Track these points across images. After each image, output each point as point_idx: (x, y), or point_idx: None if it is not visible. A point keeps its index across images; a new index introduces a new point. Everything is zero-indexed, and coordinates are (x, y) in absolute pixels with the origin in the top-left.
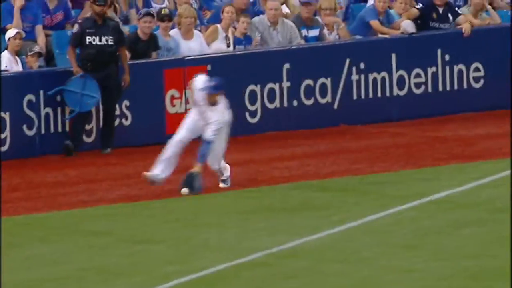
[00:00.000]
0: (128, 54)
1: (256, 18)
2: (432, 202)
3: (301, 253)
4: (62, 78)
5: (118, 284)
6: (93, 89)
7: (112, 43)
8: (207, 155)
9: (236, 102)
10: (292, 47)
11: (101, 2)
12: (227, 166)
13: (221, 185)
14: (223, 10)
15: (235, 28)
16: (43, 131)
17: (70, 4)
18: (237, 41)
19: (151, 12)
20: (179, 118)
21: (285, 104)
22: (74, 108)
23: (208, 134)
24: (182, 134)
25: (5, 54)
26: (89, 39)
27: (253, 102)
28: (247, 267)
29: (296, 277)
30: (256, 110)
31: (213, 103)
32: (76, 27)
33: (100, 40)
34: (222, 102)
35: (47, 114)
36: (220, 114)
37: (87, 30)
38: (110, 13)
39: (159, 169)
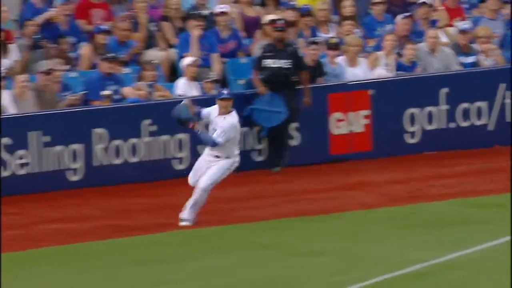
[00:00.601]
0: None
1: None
2: None
3: (458, 266)
4: (234, 102)
5: None
6: (279, 105)
7: (288, 66)
8: (206, 139)
9: (396, 124)
10: (450, 73)
11: (279, 28)
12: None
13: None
14: (385, 38)
15: (398, 55)
16: None
17: (242, 34)
18: (402, 67)
19: (317, 41)
20: (342, 139)
21: (443, 125)
22: (264, 125)
23: (216, 134)
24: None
25: (182, 80)
26: (266, 62)
27: (412, 124)
28: (406, 278)
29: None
30: (415, 132)
31: (226, 111)
32: (258, 52)
33: (276, 63)
34: (234, 115)
35: None
36: (231, 121)
37: (266, 54)
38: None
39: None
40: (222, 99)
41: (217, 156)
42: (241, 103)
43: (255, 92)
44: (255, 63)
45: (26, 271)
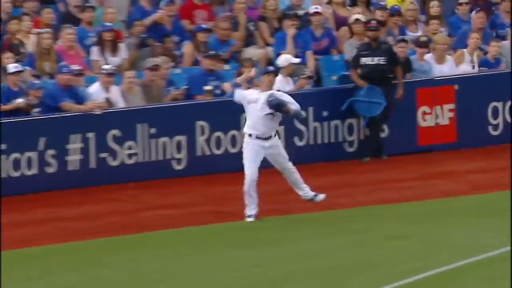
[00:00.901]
0: (401, 72)
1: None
2: None
3: None
4: (327, 97)
5: (375, 276)
6: (378, 96)
7: (384, 62)
8: (297, 111)
9: (480, 116)
10: None
11: (372, 28)
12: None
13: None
14: (470, 37)
15: (483, 52)
16: (311, 142)
17: (334, 32)
18: (486, 64)
19: (405, 38)
20: (429, 130)
21: None
22: (365, 115)
23: (291, 103)
24: (252, 171)
25: (278, 76)
26: (363, 59)
27: (495, 117)
28: (483, 264)
29: None
30: (498, 124)
31: (270, 86)
32: (354, 51)
33: (372, 60)
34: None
35: (315, 128)
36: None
37: (362, 53)
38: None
39: (254, 209)
40: (268, 73)
41: (267, 138)
42: (336, 98)
43: (349, 88)
44: (353, 61)
45: (130, 255)
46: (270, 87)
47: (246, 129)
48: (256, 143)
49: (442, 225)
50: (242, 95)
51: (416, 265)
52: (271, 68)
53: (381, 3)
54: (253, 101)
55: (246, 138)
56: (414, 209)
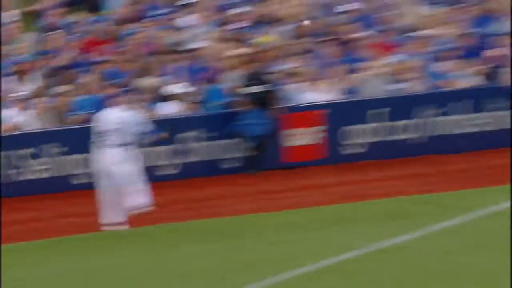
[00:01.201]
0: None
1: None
2: None
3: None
4: (213, 120)
5: (247, 276)
6: (261, 119)
7: (264, 90)
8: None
9: (346, 137)
10: (380, 97)
11: (251, 61)
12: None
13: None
14: (334, 69)
15: (345, 81)
16: (197, 159)
17: (216, 64)
18: (348, 91)
19: (276, 70)
20: (292, 150)
21: (386, 138)
22: (250, 135)
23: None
24: (108, 189)
25: (169, 103)
26: (247, 89)
27: (359, 137)
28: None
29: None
30: (362, 143)
31: (128, 105)
32: (236, 82)
33: (255, 89)
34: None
35: (201, 146)
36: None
37: (246, 83)
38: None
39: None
40: (124, 94)
41: (115, 146)
42: (220, 121)
43: (232, 112)
44: (238, 90)
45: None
46: (128, 106)
47: (104, 141)
48: (111, 153)
49: (310, 232)
50: (110, 118)
51: (282, 267)
52: (124, 89)
53: (254, 40)
54: (120, 119)
55: (103, 151)
56: (287, 217)
